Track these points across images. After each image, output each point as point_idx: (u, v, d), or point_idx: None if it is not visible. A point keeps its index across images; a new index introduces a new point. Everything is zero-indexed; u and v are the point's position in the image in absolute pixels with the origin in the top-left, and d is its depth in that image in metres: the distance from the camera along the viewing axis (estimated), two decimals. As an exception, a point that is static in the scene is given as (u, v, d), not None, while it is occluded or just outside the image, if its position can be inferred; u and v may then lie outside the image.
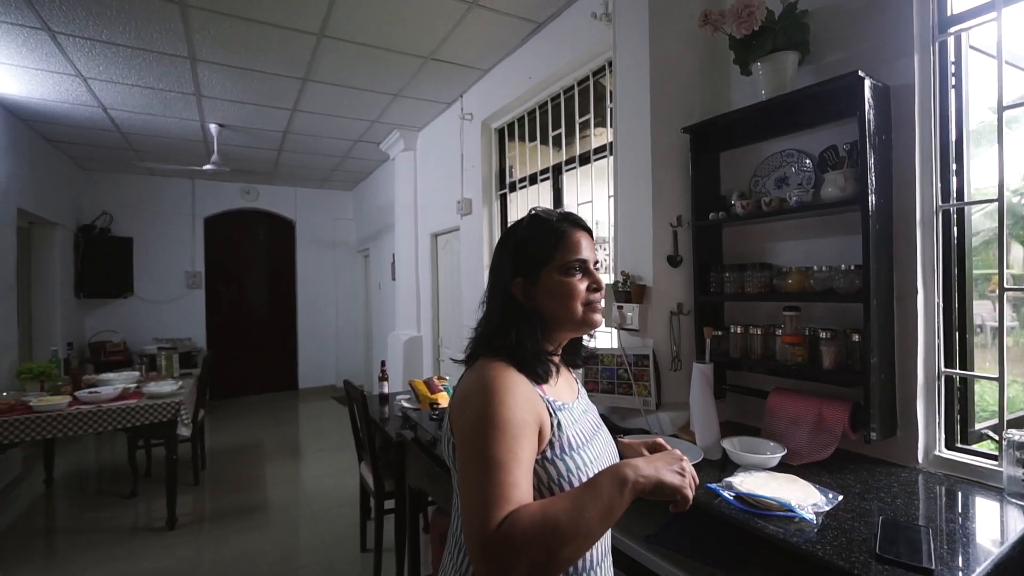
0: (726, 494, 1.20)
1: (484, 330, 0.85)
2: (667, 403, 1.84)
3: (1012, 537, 1.00)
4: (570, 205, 2.91)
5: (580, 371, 1.03)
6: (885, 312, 1.39)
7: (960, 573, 0.88)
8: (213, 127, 4.26)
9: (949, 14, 1.38)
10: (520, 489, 0.66)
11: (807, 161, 1.61)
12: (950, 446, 1.39)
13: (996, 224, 1.29)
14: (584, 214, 2.78)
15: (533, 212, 0.89)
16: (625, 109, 2.00)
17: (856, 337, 1.42)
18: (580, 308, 0.83)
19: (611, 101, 2.27)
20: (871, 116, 1.34)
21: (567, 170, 2.94)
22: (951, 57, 1.40)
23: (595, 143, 2.68)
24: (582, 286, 0.84)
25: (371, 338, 6.76)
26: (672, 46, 1.88)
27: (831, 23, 1.55)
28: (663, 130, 1.87)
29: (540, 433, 0.74)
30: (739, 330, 1.71)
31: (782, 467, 1.36)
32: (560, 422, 0.78)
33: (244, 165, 5.52)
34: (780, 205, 1.57)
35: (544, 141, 3.13)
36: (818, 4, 1.52)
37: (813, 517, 1.08)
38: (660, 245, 1.89)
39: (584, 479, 0.75)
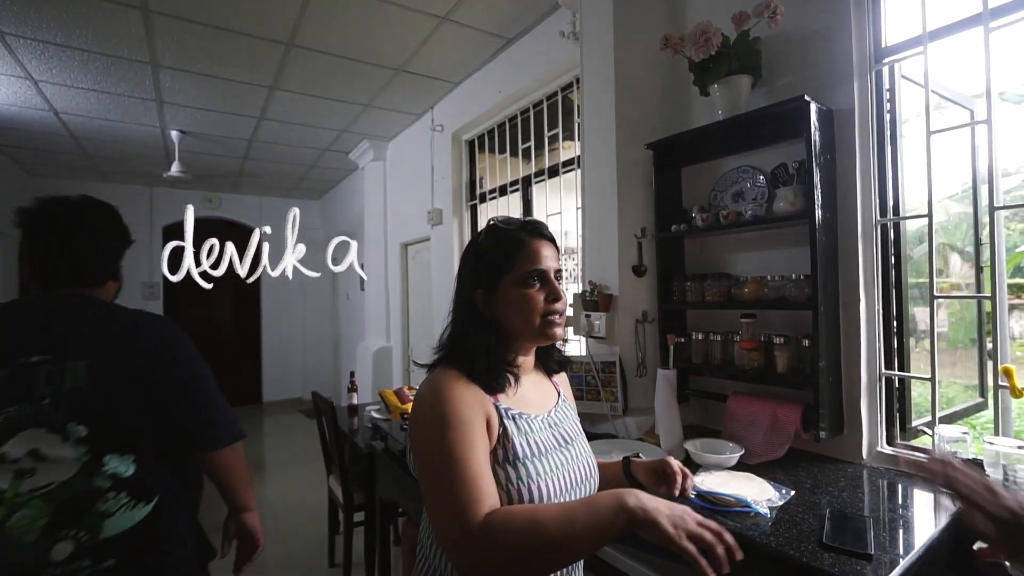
0: (689, 492, 1.26)
1: (447, 340, 0.86)
2: (633, 408, 1.90)
3: (942, 523, 1.10)
4: (539, 216, 2.97)
5: (563, 377, 1.02)
6: (832, 318, 1.49)
7: (899, 557, 0.96)
8: (174, 134, 4.15)
9: (883, 46, 1.52)
10: (484, 479, 0.69)
11: (760, 177, 1.72)
12: (891, 442, 1.50)
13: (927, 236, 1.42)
14: (553, 225, 2.85)
15: (491, 222, 0.87)
16: (592, 124, 2.08)
17: (806, 342, 1.51)
18: (537, 320, 0.82)
19: (579, 116, 2.35)
20: (816, 137, 1.45)
21: (536, 182, 3.00)
22: (886, 84, 1.53)
23: (564, 156, 2.76)
24: (540, 297, 0.82)
25: (339, 349, 6.65)
26: (636, 66, 1.97)
27: (781, 50, 1.66)
28: (628, 145, 1.95)
29: (489, 433, 0.76)
30: (700, 337, 1.79)
31: (741, 466, 1.43)
32: (507, 430, 0.78)
33: (207, 173, 5.38)
34: (737, 218, 1.67)
35: (514, 153, 3.19)
36: (769, 32, 1.64)
37: (768, 511, 1.15)
38: (625, 256, 1.96)
39: (533, 490, 0.75)
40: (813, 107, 1.44)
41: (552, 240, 0.87)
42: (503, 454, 0.76)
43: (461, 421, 0.71)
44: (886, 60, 1.51)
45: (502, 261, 0.82)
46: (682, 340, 1.81)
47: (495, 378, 0.80)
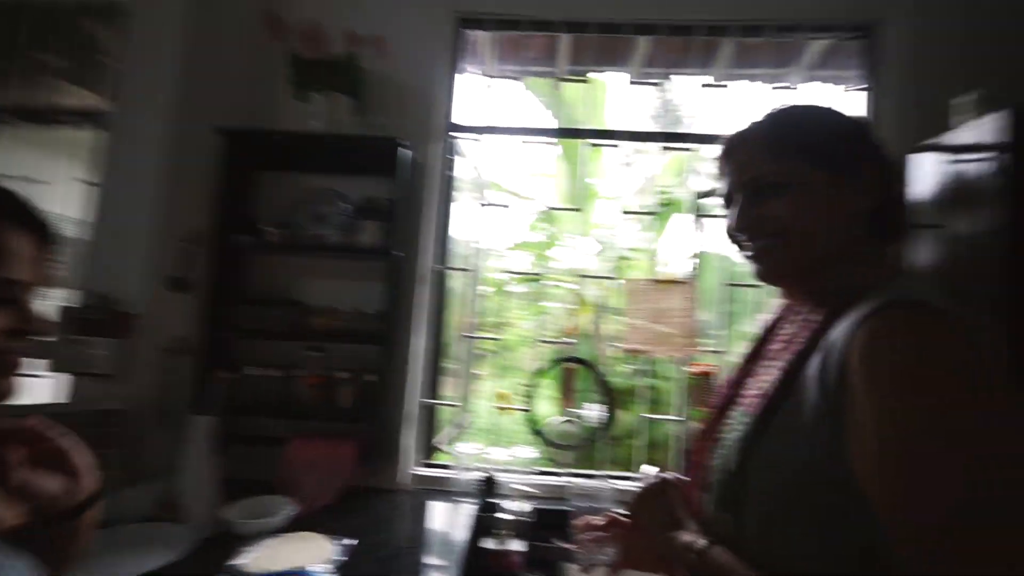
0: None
1: None
2: (148, 473, 1.35)
3: (465, 524, 1.28)
4: (-5, 178, 1.84)
5: None
6: (395, 353, 1.56)
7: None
8: None
9: (453, 122, 1.81)
10: None
11: (347, 206, 1.66)
12: (424, 463, 1.68)
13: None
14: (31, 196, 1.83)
15: None
16: (140, 76, 1.49)
17: (370, 377, 1.51)
18: None
19: (113, 56, 1.65)
20: (403, 181, 1.53)
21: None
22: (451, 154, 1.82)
23: (69, 101, 1.86)
24: None
25: None
26: (221, 25, 1.57)
27: (384, 91, 1.69)
28: (192, 121, 1.49)
29: None
30: (256, 372, 1.50)
31: (297, 523, 1.22)
32: None
33: None
34: (316, 242, 1.54)
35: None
36: (377, 68, 1.64)
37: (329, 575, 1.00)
38: (161, 263, 1.45)
39: None
40: (408, 154, 1.53)
41: (34, 231, 0.58)
42: None
43: None
44: (454, 134, 1.80)
45: None
46: (230, 376, 1.46)
47: None
